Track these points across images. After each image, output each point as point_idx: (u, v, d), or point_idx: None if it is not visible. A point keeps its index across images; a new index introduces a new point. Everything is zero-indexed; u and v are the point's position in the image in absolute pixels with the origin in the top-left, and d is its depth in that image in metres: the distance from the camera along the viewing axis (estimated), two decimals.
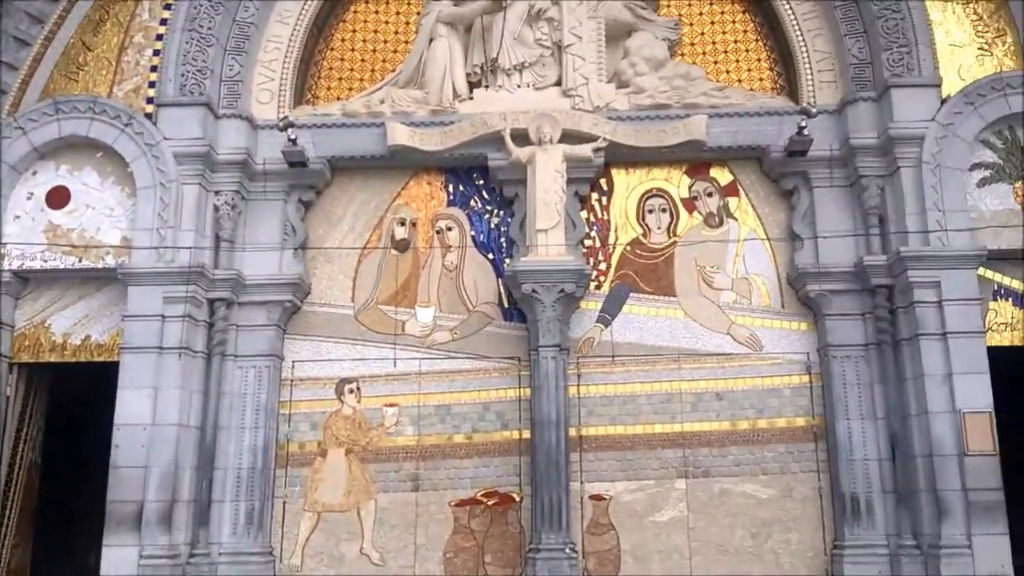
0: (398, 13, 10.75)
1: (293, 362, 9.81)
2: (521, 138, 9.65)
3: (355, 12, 10.77)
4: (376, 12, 10.77)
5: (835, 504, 9.10)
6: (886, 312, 9.13)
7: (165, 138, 9.48)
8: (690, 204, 10.06)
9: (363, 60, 10.63)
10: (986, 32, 9.74)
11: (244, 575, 8.97)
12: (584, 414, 9.52)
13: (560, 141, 9.60)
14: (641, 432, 9.46)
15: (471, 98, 10.11)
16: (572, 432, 9.37)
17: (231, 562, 9.03)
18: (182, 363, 9.08)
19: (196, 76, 9.72)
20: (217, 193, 9.62)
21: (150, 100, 9.82)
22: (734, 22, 10.48)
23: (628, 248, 9.95)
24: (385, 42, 10.66)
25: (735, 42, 10.42)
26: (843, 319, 9.31)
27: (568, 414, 9.31)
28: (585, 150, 9.59)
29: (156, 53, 9.93)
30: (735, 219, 9.98)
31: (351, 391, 9.72)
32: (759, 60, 10.37)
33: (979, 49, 9.67)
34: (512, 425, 9.56)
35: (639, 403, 9.53)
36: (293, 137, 9.36)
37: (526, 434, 9.39)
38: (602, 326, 9.75)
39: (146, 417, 8.93)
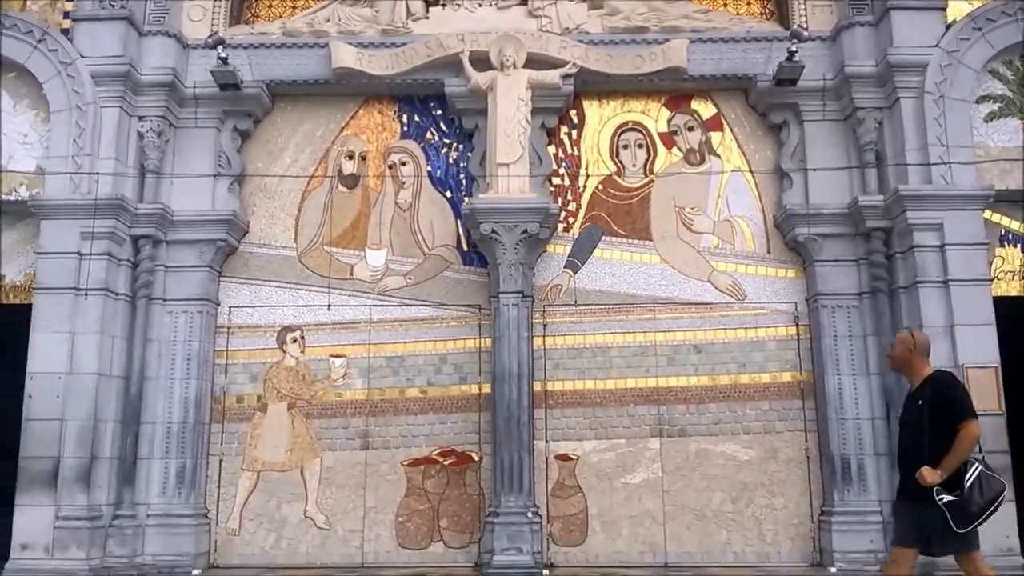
0: None
1: (230, 308, 8.90)
2: (482, 62, 8.70)
3: None
4: None
5: (823, 467, 8.38)
6: (882, 258, 8.35)
7: (82, 56, 8.47)
8: (669, 139, 9.16)
9: None
10: None
11: (176, 538, 8.13)
12: (550, 367, 8.70)
13: (525, 66, 8.67)
14: (612, 387, 8.66)
15: (427, 18, 9.11)
16: (537, 387, 8.58)
17: (160, 524, 8.22)
18: (102, 306, 8.15)
19: None
20: (141, 119, 8.64)
21: (68, 16, 8.76)
22: None
23: (600, 187, 9.07)
24: None
25: None
26: (834, 265, 8.52)
27: (532, 367, 8.50)
28: (552, 76, 8.65)
29: None
30: (718, 156, 9.10)
31: (294, 340, 8.84)
32: None
33: None
34: (471, 379, 8.72)
35: (610, 356, 8.72)
36: (224, 56, 8.36)
37: (486, 388, 8.57)
38: (570, 272, 8.89)
39: (62, 365, 8.02)
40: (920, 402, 5.00)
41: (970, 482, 4.76)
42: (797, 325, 8.74)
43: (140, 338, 8.44)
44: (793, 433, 8.55)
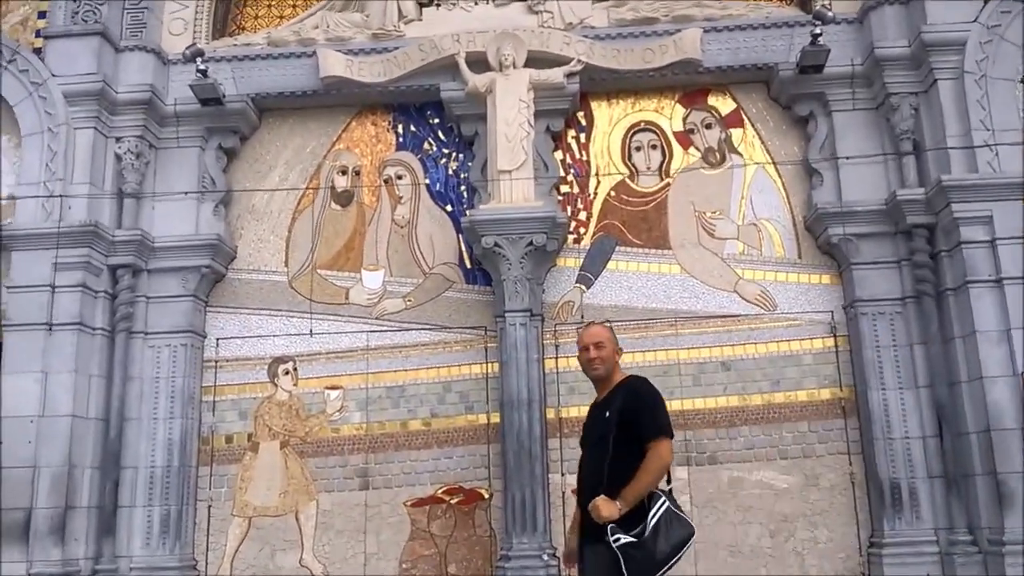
0: None
1: (217, 340, 8.26)
2: (480, 64, 8.07)
3: None
4: None
5: (871, 493, 7.52)
6: (926, 257, 7.52)
7: (53, 75, 7.92)
8: (685, 138, 8.44)
9: None
10: None
11: None
12: (564, 392, 7.93)
13: (526, 66, 8.01)
14: None
15: (420, 19, 8.52)
16: (550, 414, 7.82)
17: None
18: (77, 341, 7.53)
19: (91, 2, 8.16)
20: (119, 140, 8.07)
21: (40, 34, 8.27)
22: None
23: (612, 193, 8.35)
24: None
25: None
26: (873, 268, 7.70)
27: (544, 392, 7.75)
28: (556, 75, 7.99)
29: None
30: (739, 154, 8.35)
31: (286, 372, 8.17)
32: None
33: None
34: (478, 407, 7.98)
35: None
36: (203, 68, 7.80)
37: (495, 418, 7.83)
38: (583, 287, 8.16)
39: (33, 407, 7.37)
40: (607, 414, 3.92)
41: (654, 521, 3.70)
42: (835, 336, 7.93)
43: (120, 375, 7.80)
44: (836, 456, 7.70)
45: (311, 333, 8.12)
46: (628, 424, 3.83)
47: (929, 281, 7.51)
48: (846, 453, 7.69)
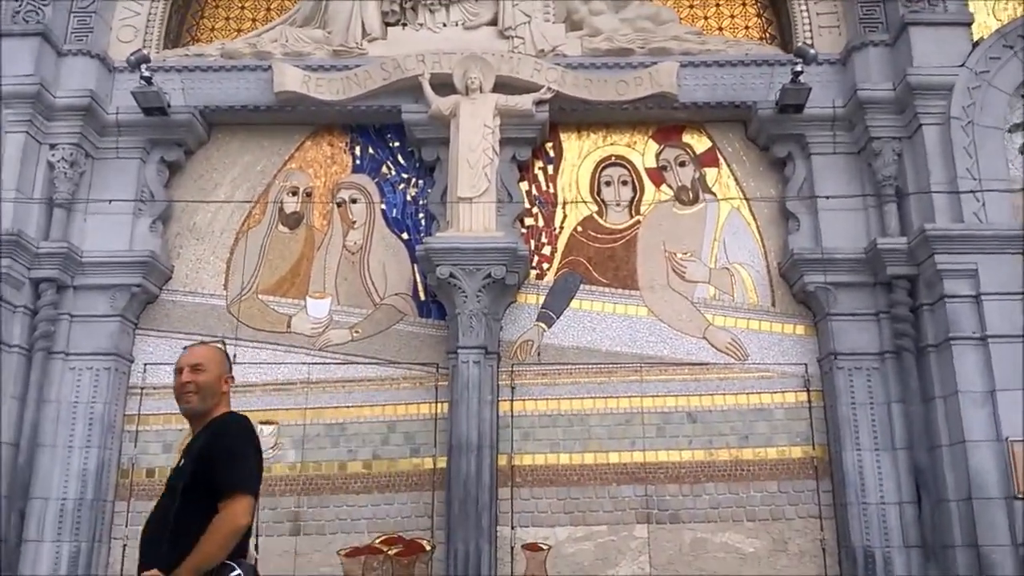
0: None
1: (145, 365, 7.64)
2: (445, 87, 7.66)
3: None
4: None
5: (843, 562, 7.01)
6: (907, 311, 7.13)
7: None
8: (657, 175, 8.04)
9: None
10: None
11: None
12: (518, 437, 7.38)
13: (494, 91, 7.62)
14: (591, 462, 7.33)
15: (384, 39, 8.12)
16: (502, 461, 7.27)
17: None
18: None
19: (34, 2, 7.70)
20: (53, 147, 7.56)
21: None
22: None
23: (579, 228, 7.93)
24: None
25: None
26: (851, 320, 7.30)
27: (496, 437, 7.21)
28: (524, 101, 7.59)
29: None
30: (713, 194, 7.97)
31: None
32: (744, 4, 8.48)
33: None
34: (425, 451, 7.39)
35: (589, 424, 7.41)
36: (147, 75, 7.32)
37: (442, 463, 7.23)
38: (544, 325, 7.65)
39: None
40: (184, 461, 3.22)
41: None
42: (808, 390, 7.46)
43: (34, 397, 7.18)
44: (806, 520, 7.20)
45: (233, 360, 7.44)
46: (203, 472, 3.06)
47: (909, 336, 7.11)
48: (817, 517, 7.19)
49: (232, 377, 3.42)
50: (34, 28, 7.60)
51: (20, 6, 7.69)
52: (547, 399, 7.46)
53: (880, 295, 7.29)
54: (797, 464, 7.32)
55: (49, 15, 7.70)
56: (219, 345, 3.53)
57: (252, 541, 3.31)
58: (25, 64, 7.49)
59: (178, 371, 3.31)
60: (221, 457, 3.07)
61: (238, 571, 3.00)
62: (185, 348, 3.49)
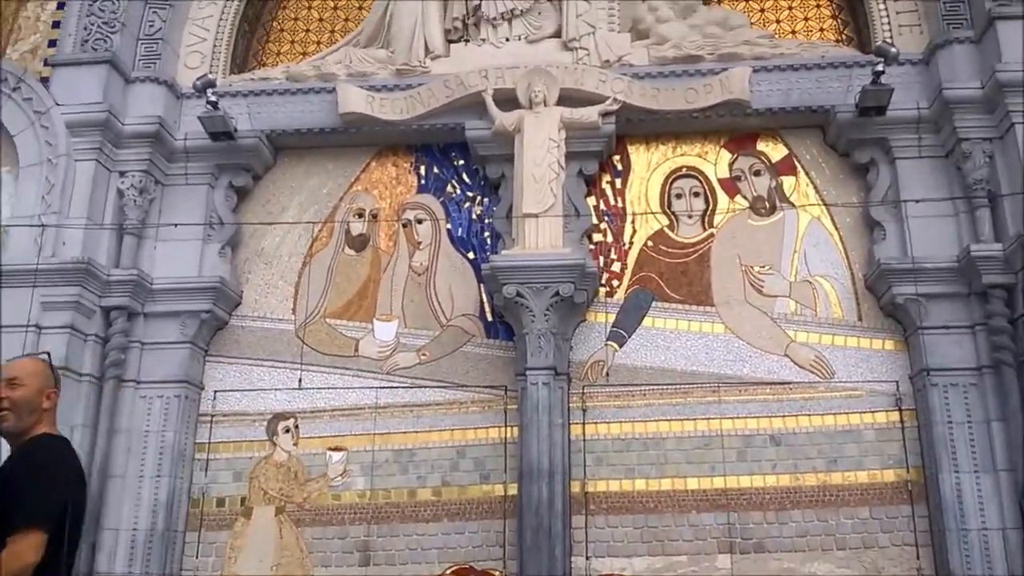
0: None
1: (215, 392, 7.59)
2: (509, 103, 7.49)
3: None
4: None
5: None
6: (1004, 322, 6.65)
7: (57, 103, 7.51)
8: (731, 186, 7.72)
9: (321, 19, 8.70)
10: None
11: None
12: (591, 463, 7.10)
13: (559, 104, 7.42)
14: (669, 488, 7.01)
15: (447, 56, 8.00)
16: (575, 487, 6.99)
17: None
18: (62, 388, 6.90)
19: (102, 29, 7.80)
20: (122, 174, 7.59)
21: (48, 62, 7.90)
22: None
23: (650, 243, 7.63)
24: None
25: None
26: (944, 333, 6.86)
27: (568, 462, 6.94)
28: (590, 113, 7.37)
29: (61, 7, 8.04)
30: (791, 204, 7.61)
31: (286, 430, 7.45)
32: (818, 6, 8.16)
33: None
34: (495, 477, 7.16)
35: (666, 448, 7.09)
36: (213, 100, 7.33)
37: (512, 489, 6.99)
38: (615, 345, 7.38)
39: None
40: None
41: None
42: (900, 410, 7.02)
43: (105, 427, 7.16)
44: (901, 548, 6.75)
45: (299, 386, 7.42)
46: (7, 498, 2.78)
47: (1008, 349, 6.63)
48: (913, 544, 6.75)
49: (56, 391, 3.15)
50: (102, 56, 7.67)
51: (88, 35, 7.78)
52: (620, 422, 7.18)
53: (975, 306, 6.84)
54: (890, 488, 6.88)
55: (117, 43, 7.77)
56: (43, 357, 3.25)
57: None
58: (93, 92, 7.56)
59: None
60: (19, 485, 2.81)
61: None
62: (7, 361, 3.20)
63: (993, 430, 6.64)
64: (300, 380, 7.44)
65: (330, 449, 7.35)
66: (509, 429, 7.19)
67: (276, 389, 7.53)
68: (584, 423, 7.18)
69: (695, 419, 7.15)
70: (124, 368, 7.32)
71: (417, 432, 7.33)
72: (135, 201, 7.55)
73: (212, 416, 7.54)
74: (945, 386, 6.77)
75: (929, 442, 6.77)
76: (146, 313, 7.46)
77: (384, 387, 7.46)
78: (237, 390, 7.60)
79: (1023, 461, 6.42)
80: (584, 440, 7.13)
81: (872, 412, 7.06)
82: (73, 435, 6.96)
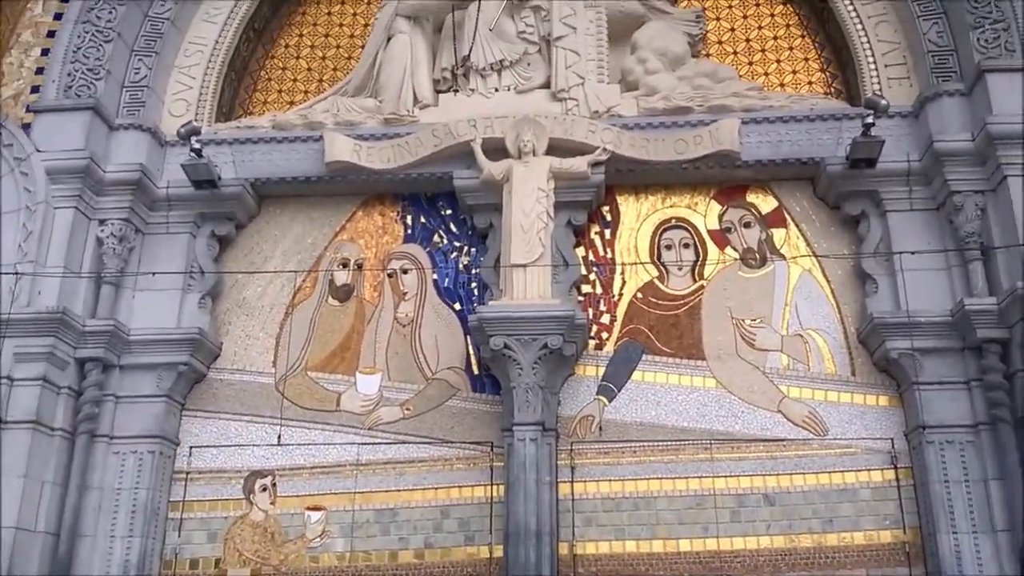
0: (355, 14, 8.87)
1: (191, 448, 7.36)
2: (497, 152, 7.43)
3: (303, 15, 8.84)
4: (328, 13, 8.85)
5: None
6: (1000, 377, 6.58)
7: (38, 150, 7.42)
8: (721, 237, 7.66)
9: (309, 69, 8.67)
10: None
11: None
12: (580, 523, 6.90)
13: (548, 154, 7.34)
14: (660, 551, 6.83)
15: (436, 105, 7.95)
16: (562, 549, 6.80)
17: None
18: (30, 442, 6.68)
19: (87, 76, 7.74)
20: (102, 222, 7.47)
21: (30, 108, 7.79)
22: (772, 15, 8.35)
23: (639, 295, 7.54)
24: (337, 47, 8.78)
25: (774, 38, 8.30)
26: (939, 389, 6.76)
27: (556, 523, 6.76)
28: (579, 163, 7.31)
29: (45, 53, 7.96)
30: (782, 256, 7.54)
31: (263, 488, 7.22)
32: (806, 59, 8.18)
33: None
34: (480, 538, 6.94)
35: (657, 508, 6.92)
36: (197, 147, 7.22)
37: (498, 551, 6.74)
38: (604, 399, 7.22)
39: None
40: None
41: None
42: (896, 467, 6.89)
43: (76, 484, 6.93)
44: None
45: (278, 441, 7.23)
46: None
47: (1005, 405, 6.54)
48: None
49: None
50: (86, 103, 7.60)
51: (72, 81, 7.71)
52: (610, 480, 6.99)
53: (970, 361, 6.76)
54: (887, 550, 6.72)
55: (101, 89, 7.72)
56: None
57: None
58: (76, 139, 7.46)
59: None
60: None
61: None
62: None
63: (991, 489, 6.52)
64: (280, 436, 7.21)
65: (309, 508, 7.11)
66: (495, 487, 6.99)
67: (254, 445, 7.32)
68: (572, 481, 6.99)
69: (687, 477, 6.98)
70: (97, 422, 7.11)
71: (400, 491, 7.11)
72: (114, 250, 7.40)
73: (187, 473, 7.31)
74: (941, 443, 6.66)
75: (926, 502, 6.63)
76: (122, 365, 7.27)
77: (366, 443, 7.26)
78: (214, 446, 7.37)
79: (1022, 521, 6.25)
80: (572, 499, 6.95)
81: (868, 470, 6.92)
82: (43, 492, 6.75)
